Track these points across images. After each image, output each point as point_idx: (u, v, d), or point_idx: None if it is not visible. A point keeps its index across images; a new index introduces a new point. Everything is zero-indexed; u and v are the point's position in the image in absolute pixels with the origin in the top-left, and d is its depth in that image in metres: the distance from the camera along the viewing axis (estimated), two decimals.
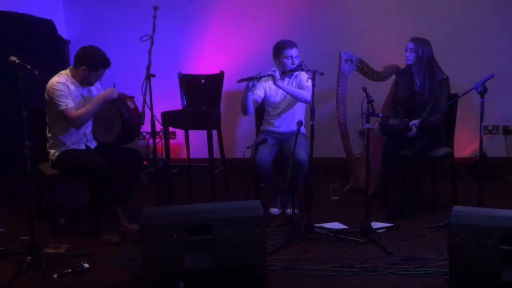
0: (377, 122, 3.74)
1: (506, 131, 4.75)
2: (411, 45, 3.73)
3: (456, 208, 2.46)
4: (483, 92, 3.26)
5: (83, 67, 3.36)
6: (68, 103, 3.34)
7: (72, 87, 3.40)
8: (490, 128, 4.73)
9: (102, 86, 3.66)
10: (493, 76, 3.28)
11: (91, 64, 3.35)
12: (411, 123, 3.63)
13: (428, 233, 3.31)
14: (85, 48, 3.42)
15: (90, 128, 3.55)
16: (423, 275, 2.72)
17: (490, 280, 2.32)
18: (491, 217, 2.38)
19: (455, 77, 3.88)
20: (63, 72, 3.43)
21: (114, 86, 3.46)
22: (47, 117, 3.45)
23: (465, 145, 4.70)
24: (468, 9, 4.67)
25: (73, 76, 3.41)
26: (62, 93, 3.33)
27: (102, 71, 3.40)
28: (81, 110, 3.39)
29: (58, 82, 3.35)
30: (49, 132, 3.47)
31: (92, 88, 3.53)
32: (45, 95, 3.39)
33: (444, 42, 4.40)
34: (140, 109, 3.36)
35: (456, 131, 3.93)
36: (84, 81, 3.43)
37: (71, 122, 3.37)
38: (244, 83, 3.66)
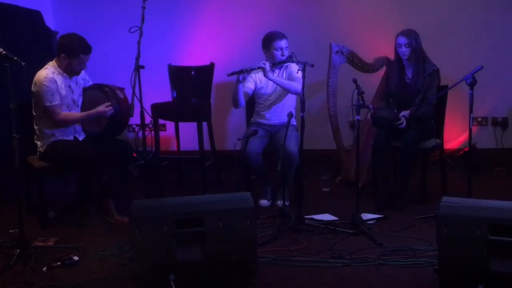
0: (369, 114, 3.75)
1: (495, 122, 4.78)
2: (403, 40, 3.69)
3: (445, 199, 2.47)
4: (472, 83, 3.27)
5: (63, 54, 3.33)
6: (54, 100, 3.32)
7: (60, 79, 3.37)
8: (479, 119, 4.76)
9: (94, 79, 3.63)
10: (482, 67, 3.30)
11: (70, 50, 3.32)
12: (401, 114, 3.64)
13: (418, 224, 3.33)
14: (64, 35, 3.42)
15: None
16: (413, 266, 2.75)
17: (478, 270, 2.34)
18: (480, 207, 2.40)
19: (445, 68, 3.89)
20: (50, 63, 3.40)
21: (111, 104, 3.41)
22: (33, 108, 3.42)
23: (454, 136, 4.73)
24: (458, 1, 4.68)
25: (59, 66, 3.38)
26: (49, 89, 3.30)
27: (83, 58, 3.35)
28: (70, 115, 3.40)
29: (46, 77, 3.31)
30: (36, 124, 3.44)
31: (79, 79, 3.50)
32: (32, 87, 3.35)
33: (434, 34, 4.41)
34: (130, 101, 3.33)
35: (446, 123, 3.94)
36: (69, 70, 3.39)
37: (55, 120, 3.36)
38: (235, 76, 3.64)
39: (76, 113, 3.44)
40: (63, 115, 3.36)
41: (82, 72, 3.52)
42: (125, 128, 3.71)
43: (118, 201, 3.54)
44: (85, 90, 3.53)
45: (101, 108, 3.38)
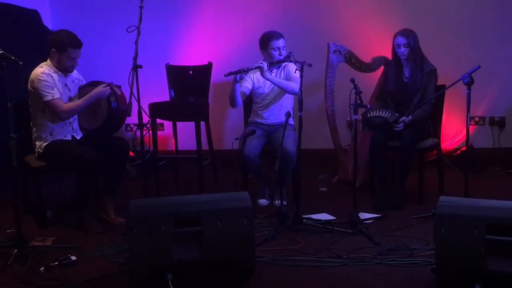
0: (360, 118, 3.74)
1: (493, 122, 4.79)
2: (402, 40, 3.69)
3: (442, 198, 2.47)
4: (470, 83, 3.28)
5: (53, 49, 3.32)
6: (55, 94, 3.31)
7: (56, 76, 3.36)
8: (476, 119, 4.77)
9: (92, 78, 3.62)
10: (479, 67, 3.31)
11: (59, 44, 3.31)
12: (401, 119, 3.63)
13: (415, 223, 3.34)
14: (55, 31, 3.44)
15: (75, 116, 3.51)
16: (410, 265, 2.75)
17: (475, 269, 2.34)
18: (477, 207, 2.40)
19: (443, 68, 3.90)
20: (44, 63, 3.38)
21: (108, 85, 3.42)
22: (31, 108, 3.41)
23: (452, 136, 4.75)
24: (456, 1, 4.69)
25: (54, 65, 3.37)
26: (48, 83, 3.29)
27: (72, 52, 3.32)
28: (72, 104, 3.38)
29: (43, 73, 3.30)
30: (33, 124, 3.43)
31: (75, 78, 3.48)
32: (29, 86, 3.34)
33: (432, 33, 4.42)
34: (128, 100, 3.33)
35: (443, 122, 3.96)
36: (61, 67, 3.37)
37: (58, 114, 3.33)
38: (232, 76, 3.64)
39: (77, 101, 3.41)
40: (66, 106, 3.35)
41: (76, 73, 3.51)
42: (121, 125, 3.69)
43: (116, 201, 3.53)
44: (81, 88, 3.52)
45: (99, 88, 3.36)
